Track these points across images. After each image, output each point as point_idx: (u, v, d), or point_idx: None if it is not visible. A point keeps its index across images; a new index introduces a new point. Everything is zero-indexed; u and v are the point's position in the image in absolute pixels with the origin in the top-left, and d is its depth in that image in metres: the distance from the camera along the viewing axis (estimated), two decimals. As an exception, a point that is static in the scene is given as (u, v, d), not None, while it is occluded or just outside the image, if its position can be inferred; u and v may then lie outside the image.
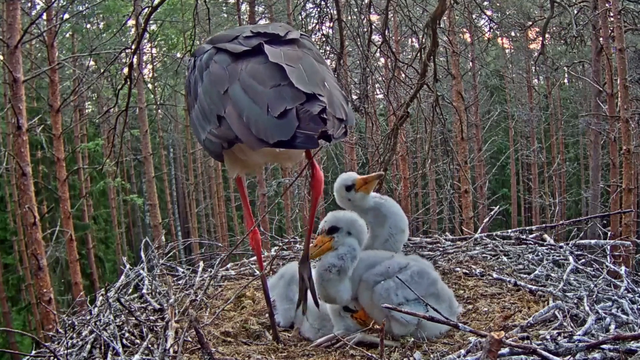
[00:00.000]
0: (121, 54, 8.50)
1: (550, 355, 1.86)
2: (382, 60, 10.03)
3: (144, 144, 12.68)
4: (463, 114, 11.80)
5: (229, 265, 3.92)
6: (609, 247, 3.21)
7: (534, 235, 3.80)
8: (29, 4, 12.84)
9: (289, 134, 1.71)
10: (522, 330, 2.30)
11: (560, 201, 17.45)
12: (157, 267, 3.53)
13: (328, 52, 5.67)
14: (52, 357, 2.47)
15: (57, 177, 10.23)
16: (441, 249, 3.80)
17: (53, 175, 13.63)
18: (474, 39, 14.89)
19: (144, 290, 3.11)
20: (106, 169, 13.83)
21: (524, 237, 3.75)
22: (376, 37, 6.62)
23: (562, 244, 3.47)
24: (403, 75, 7.32)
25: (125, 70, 6.27)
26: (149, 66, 20.69)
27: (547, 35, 10.06)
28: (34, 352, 2.81)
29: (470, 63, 16.45)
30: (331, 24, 5.74)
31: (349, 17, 6.21)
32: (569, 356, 1.92)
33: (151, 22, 11.23)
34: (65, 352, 2.44)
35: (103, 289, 2.94)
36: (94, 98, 21.99)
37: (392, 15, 8.84)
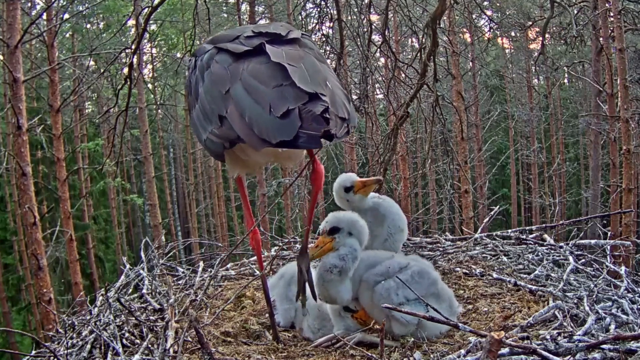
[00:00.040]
0: (121, 54, 8.50)
1: (550, 355, 1.86)
2: (382, 60, 10.03)
3: (144, 144, 12.68)
4: (463, 114, 11.81)
5: (229, 265, 3.92)
6: (609, 247, 3.21)
7: (534, 235, 3.80)
8: (29, 4, 12.84)
9: (292, 134, 1.71)
10: (522, 330, 2.30)
11: (560, 201, 17.45)
12: (157, 267, 3.53)
13: (328, 52, 5.67)
14: (52, 357, 2.47)
15: (57, 177, 10.23)
16: (441, 249, 3.80)
17: (53, 175, 13.63)
18: (474, 39, 14.89)
19: (144, 290, 3.11)
20: (106, 169, 13.83)
21: (524, 237, 3.75)
22: (376, 37, 6.62)
23: (562, 244, 3.47)
24: (403, 75, 7.31)
25: (125, 70, 6.27)
26: (149, 66, 20.71)
27: (547, 35, 10.06)
28: (34, 352, 2.81)
29: (470, 63, 16.45)
30: (331, 24, 5.74)
31: (349, 17, 6.21)
32: (569, 356, 1.92)
33: (151, 22, 11.24)
34: (65, 352, 2.44)
35: (103, 289, 2.94)
36: (94, 98, 21.99)
37: (392, 15, 8.84)
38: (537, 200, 19.46)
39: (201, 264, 3.78)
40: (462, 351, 2.07)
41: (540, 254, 3.37)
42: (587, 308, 2.40)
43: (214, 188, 20.39)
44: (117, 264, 17.14)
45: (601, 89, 10.76)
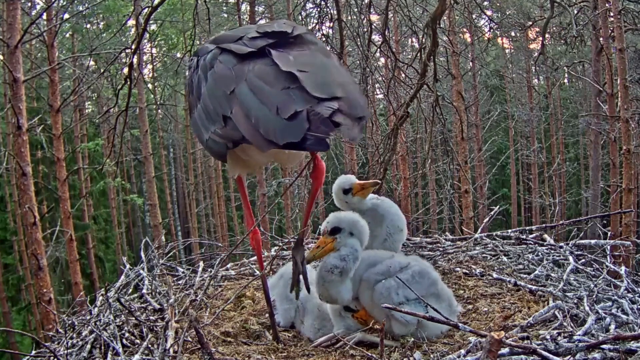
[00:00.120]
0: (121, 54, 8.50)
1: (550, 355, 1.86)
2: (382, 60, 10.04)
3: (144, 144, 12.67)
4: (463, 114, 11.80)
5: (229, 265, 3.92)
6: (609, 247, 3.21)
7: (534, 235, 3.80)
8: (29, 4, 12.85)
9: (299, 136, 1.69)
10: (522, 330, 2.30)
11: (560, 201, 17.45)
12: (157, 267, 3.53)
13: (328, 52, 5.66)
14: (52, 357, 2.47)
15: (57, 177, 10.23)
16: (441, 249, 3.80)
17: (53, 175, 13.63)
18: (474, 39, 14.89)
19: (144, 290, 3.11)
20: (106, 169, 13.83)
21: (524, 237, 3.75)
22: (376, 37, 6.63)
23: (562, 244, 3.47)
24: (403, 75, 7.32)
25: (125, 70, 6.27)
26: (149, 66, 20.70)
27: (547, 35, 10.06)
28: (34, 352, 2.81)
29: (470, 63, 16.45)
30: (331, 24, 5.75)
31: (349, 17, 6.22)
32: (569, 356, 1.92)
33: (151, 22, 11.24)
34: (65, 352, 2.44)
35: (103, 289, 2.94)
36: (94, 98, 21.99)
37: (392, 15, 8.84)
38: (537, 200, 19.46)
39: (201, 264, 3.78)
40: (462, 351, 2.07)
41: (540, 254, 3.37)
42: (587, 308, 2.40)
43: (214, 188, 20.39)
44: (117, 264, 17.14)
45: (601, 89, 10.76)
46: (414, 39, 15.03)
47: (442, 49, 8.69)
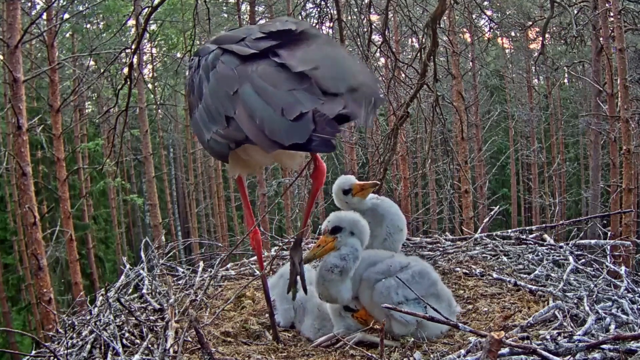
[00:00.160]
0: (121, 54, 8.51)
1: (550, 355, 1.86)
2: (382, 60, 10.04)
3: (144, 144, 12.67)
4: (463, 114, 11.80)
5: (229, 265, 3.92)
6: (609, 247, 3.21)
7: (534, 235, 3.80)
8: (29, 4, 12.84)
9: (305, 137, 1.68)
10: (522, 330, 2.30)
11: (560, 201, 17.45)
12: (157, 267, 3.53)
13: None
14: (52, 357, 2.47)
15: (57, 177, 10.24)
16: (441, 249, 3.80)
17: (53, 175, 13.64)
18: (474, 39, 14.89)
19: (144, 290, 3.11)
20: (106, 169, 13.83)
21: (524, 237, 3.75)
22: (376, 37, 6.63)
23: (562, 244, 3.47)
24: (403, 75, 7.32)
25: (125, 70, 6.27)
26: (149, 66, 20.70)
27: (547, 35, 10.06)
28: (34, 352, 2.81)
29: (470, 63, 16.45)
30: (331, 24, 5.74)
31: (349, 17, 6.22)
32: (569, 356, 1.92)
33: (151, 22, 11.24)
34: (65, 352, 2.44)
35: (103, 289, 2.94)
36: (94, 98, 21.99)
37: (392, 15, 8.84)
38: (537, 200, 19.46)
39: (201, 264, 3.78)
40: (462, 351, 2.07)
41: (540, 254, 3.37)
42: (587, 308, 2.40)
43: (214, 188, 20.39)
44: (117, 264, 17.14)
45: (601, 89, 10.76)
46: (414, 39, 15.03)
47: (442, 49, 8.69)
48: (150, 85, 20.97)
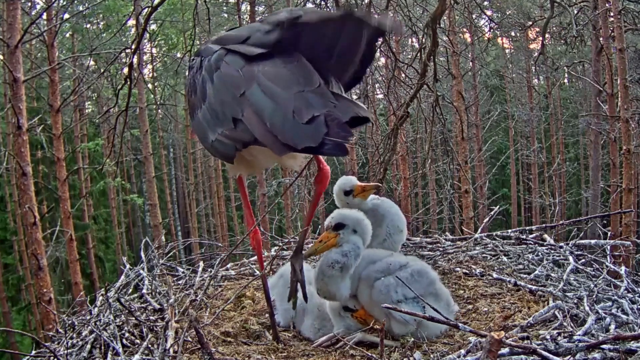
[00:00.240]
0: (121, 54, 8.51)
1: (550, 355, 1.86)
2: (382, 60, 10.04)
3: (144, 144, 12.67)
4: (463, 114, 11.80)
5: (229, 265, 3.92)
6: (609, 247, 3.21)
7: (534, 235, 3.80)
8: (29, 4, 12.85)
9: (317, 141, 1.66)
10: (522, 330, 2.30)
11: (560, 201, 17.45)
12: (157, 267, 3.53)
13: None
14: (52, 357, 2.47)
15: (57, 177, 10.24)
16: (441, 249, 3.80)
17: (53, 175, 13.64)
18: (474, 39, 14.89)
19: (144, 290, 3.11)
20: (106, 169, 13.84)
21: (524, 237, 3.75)
22: (376, 37, 6.61)
23: (562, 244, 3.47)
24: (403, 75, 7.32)
25: (125, 70, 6.27)
26: (149, 66, 20.69)
27: (547, 35, 10.07)
28: (34, 352, 2.81)
29: (470, 63, 16.45)
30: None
31: (349, 17, 6.19)
32: (569, 356, 1.92)
33: (151, 22, 11.24)
34: (65, 352, 2.44)
35: (103, 289, 2.94)
36: (94, 98, 22.00)
37: (392, 15, 8.83)
38: (537, 200, 19.46)
39: (201, 264, 3.78)
40: (462, 351, 2.07)
41: (540, 254, 3.37)
42: (587, 308, 2.40)
43: (214, 188, 20.39)
44: (117, 264, 17.15)
45: (601, 89, 10.76)
46: (414, 39, 15.02)
47: (442, 49, 8.69)
48: (150, 85, 20.98)
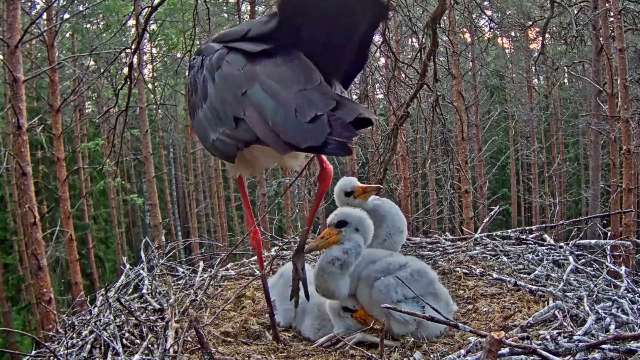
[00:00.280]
0: (121, 54, 8.51)
1: (550, 355, 1.86)
2: (382, 60, 10.04)
3: (144, 144, 12.67)
4: (463, 114, 11.80)
5: (229, 265, 3.92)
6: (609, 247, 3.21)
7: (534, 235, 3.80)
8: (29, 4, 12.85)
9: (320, 140, 1.64)
10: (522, 330, 2.30)
11: (560, 201, 17.45)
12: (157, 267, 3.53)
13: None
14: (52, 357, 2.47)
15: (57, 177, 10.24)
16: (441, 249, 3.80)
17: (53, 175, 13.64)
18: (474, 39, 14.89)
19: (144, 290, 3.11)
20: (106, 169, 13.84)
21: (524, 237, 3.75)
22: (376, 37, 6.62)
23: (562, 244, 3.48)
24: (403, 75, 7.32)
25: (125, 70, 6.27)
26: (149, 66, 20.69)
27: (547, 35, 10.07)
28: (34, 352, 2.81)
29: (470, 63, 16.45)
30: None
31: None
32: (569, 356, 1.92)
33: (151, 22, 11.24)
34: (65, 352, 2.44)
35: (103, 289, 2.94)
36: (94, 98, 22.00)
37: (392, 15, 8.84)
38: (537, 200, 19.46)
39: (201, 264, 3.78)
40: (462, 351, 2.07)
41: (540, 254, 3.37)
42: (587, 308, 2.40)
43: (214, 188, 20.39)
44: (117, 264, 17.15)
45: (601, 89, 10.76)
46: (414, 39, 15.03)
47: (442, 49, 8.69)
48: (150, 85, 20.98)
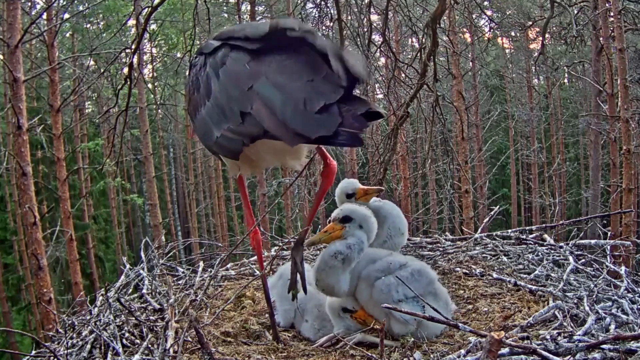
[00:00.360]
0: (121, 54, 8.51)
1: (550, 355, 1.86)
2: (382, 60, 10.04)
3: (144, 144, 12.66)
4: (463, 114, 11.80)
5: (229, 265, 3.92)
6: (609, 247, 3.22)
7: (534, 235, 3.80)
8: (29, 4, 12.84)
9: (332, 130, 1.63)
10: (522, 330, 2.30)
11: (560, 201, 17.45)
12: (157, 267, 3.53)
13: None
14: (52, 357, 2.47)
15: (57, 177, 10.24)
16: (441, 249, 3.80)
17: (53, 175, 13.64)
18: (474, 39, 14.89)
19: (144, 290, 3.11)
20: (106, 169, 13.83)
21: (524, 237, 3.75)
22: (376, 37, 6.63)
23: (562, 244, 3.48)
24: (403, 75, 7.32)
25: (125, 70, 6.27)
26: (149, 66, 20.68)
27: (547, 35, 10.07)
28: (34, 352, 2.81)
29: (470, 63, 16.45)
30: (331, 24, 5.75)
31: (349, 17, 6.22)
32: (569, 356, 1.92)
33: (151, 22, 11.24)
34: (65, 352, 2.44)
35: (103, 289, 2.94)
36: (94, 98, 22.00)
37: (392, 15, 8.84)
38: (537, 200, 19.46)
39: (201, 264, 3.78)
40: (462, 351, 2.07)
41: (540, 254, 3.37)
42: (587, 308, 2.40)
43: (214, 188, 20.39)
44: (117, 264, 17.15)
45: (601, 89, 10.76)
46: (414, 39, 15.02)
47: (442, 49, 8.70)
48: (150, 85, 20.96)
